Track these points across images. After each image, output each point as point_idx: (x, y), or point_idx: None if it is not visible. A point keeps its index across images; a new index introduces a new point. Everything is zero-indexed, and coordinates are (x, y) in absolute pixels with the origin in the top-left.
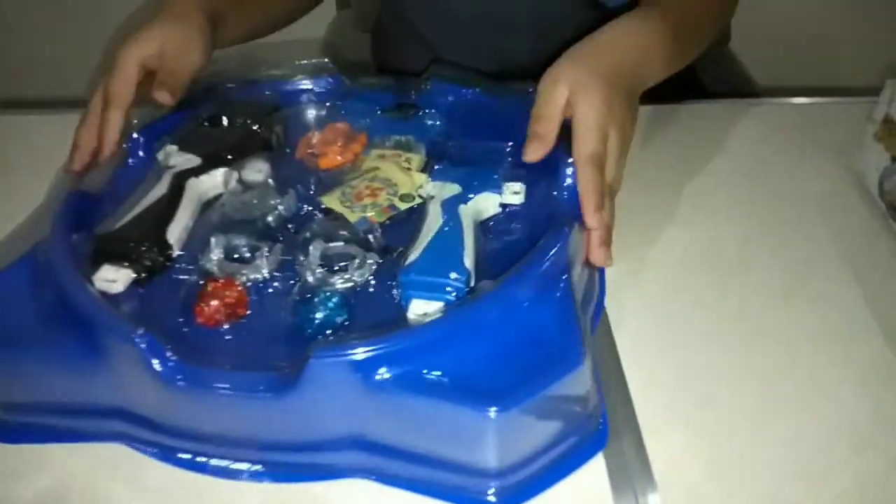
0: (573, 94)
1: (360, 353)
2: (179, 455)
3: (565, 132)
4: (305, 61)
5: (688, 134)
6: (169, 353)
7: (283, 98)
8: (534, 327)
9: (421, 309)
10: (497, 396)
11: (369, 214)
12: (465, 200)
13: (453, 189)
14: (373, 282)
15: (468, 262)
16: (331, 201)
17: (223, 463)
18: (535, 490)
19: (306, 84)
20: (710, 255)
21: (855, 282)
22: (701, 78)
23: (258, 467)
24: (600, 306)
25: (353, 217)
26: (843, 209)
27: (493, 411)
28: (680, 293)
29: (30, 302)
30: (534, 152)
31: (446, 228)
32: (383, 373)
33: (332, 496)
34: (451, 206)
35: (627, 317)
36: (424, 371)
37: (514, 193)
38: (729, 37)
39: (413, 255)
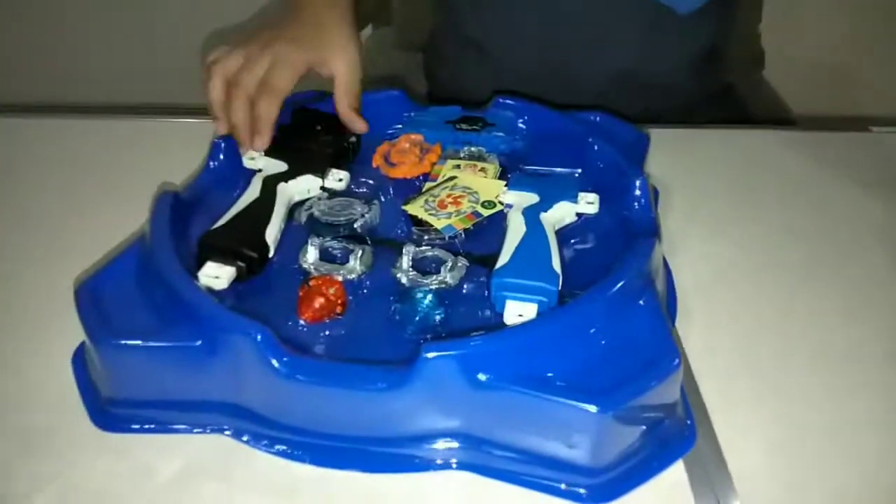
0: None
1: (471, 350)
2: (282, 446)
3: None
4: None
5: (741, 159)
6: (286, 350)
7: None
8: (627, 332)
9: (516, 310)
10: (600, 395)
11: (454, 221)
12: (546, 209)
13: (531, 198)
14: (465, 285)
15: (556, 265)
16: (415, 209)
17: (326, 454)
18: (624, 489)
19: (376, 97)
20: (772, 278)
21: None
22: (744, 105)
23: (360, 458)
24: (672, 323)
25: (439, 224)
26: None
27: (596, 409)
28: (745, 313)
29: (137, 297)
30: None
31: (531, 236)
32: (491, 369)
33: (428, 488)
34: (532, 215)
35: (696, 334)
36: (530, 369)
37: (588, 203)
38: (763, 63)
39: (503, 260)
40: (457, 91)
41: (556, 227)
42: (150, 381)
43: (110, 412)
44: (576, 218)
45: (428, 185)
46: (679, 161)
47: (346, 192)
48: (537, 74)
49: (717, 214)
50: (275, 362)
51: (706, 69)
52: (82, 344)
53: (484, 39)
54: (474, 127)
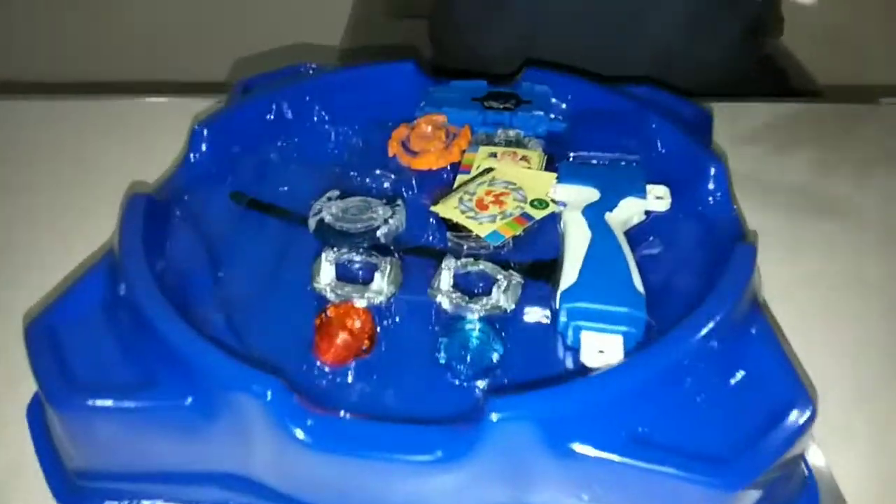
0: None
1: (553, 407)
2: None
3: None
4: None
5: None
6: (307, 409)
7: (357, 86)
8: (741, 371)
9: (595, 345)
10: (723, 464)
11: (500, 226)
12: (611, 207)
13: (591, 194)
14: (524, 308)
15: (638, 284)
16: (448, 211)
17: None
18: None
19: (383, 70)
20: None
21: None
22: (784, 76)
23: None
24: None
25: (482, 230)
26: None
27: (723, 482)
28: (842, 321)
29: (105, 336)
30: None
31: (600, 244)
32: (581, 433)
33: None
34: (595, 216)
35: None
36: (631, 428)
37: (658, 198)
38: (782, 30)
39: (570, 278)
40: (472, 63)
41: (625, 229)
42: (128, 450)
43: (78, 485)
44: (644, 217)
45: (461, 178)
46: (739, 136)
47: (361, 190)
48: (572, 50)
49: (783, 200)
50: (297, 430)
51: (751, 42)
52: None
53: (510, 3)
54: (507, 105)
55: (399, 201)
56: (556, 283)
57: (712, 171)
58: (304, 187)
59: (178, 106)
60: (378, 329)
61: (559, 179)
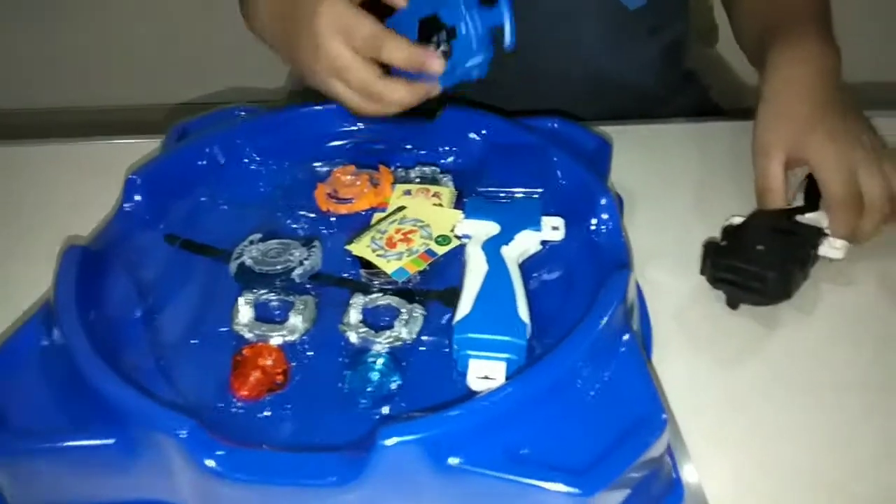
0: (794, 153)
1: (435, 431)
2: None
3: (597, 165)
4: None
5: (708, 154)
6: (218, 443)
7: (287, 128)
8: (607, 387)
9: (481, 370)
10: (583, 475)
11: (406, 263)
12: (507, 241)
13: (491, 228)
14: (424, 336)
15: (524, 314)
16: (360, 250)
17: None
18: None
19: (310, 113)
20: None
21: (857, 280)
22: (706, 91)
23: None
24: (647, 355)
25: (388, 267)
26: (879, 238)
27: (580, 491)
28: (726, 337)
29: (39, 382)
30: None
31: (494, 276)
32: (460, 451)
33: None
34: (493, 249)
35: (675, 367)
36: (503, 446)
37: (553, 229)
38: (716, 37)
39: (464, 309)
40: None
41: (522, 260)
42: (62, 486)
43: None
44: (540, 247)
45: (376, 216)
46: (644, 161)
47: (287, 231)
48: (505, 73)
49: (686, 221)
50: (209, 463)
51: (673, 60)
52: None
53: None
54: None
55: (315, 243)
56: (456, 306)
57: (603, 201)
58: (236, 227)
59: (118, 149)
60: (293, 364)
61: (465, 214)
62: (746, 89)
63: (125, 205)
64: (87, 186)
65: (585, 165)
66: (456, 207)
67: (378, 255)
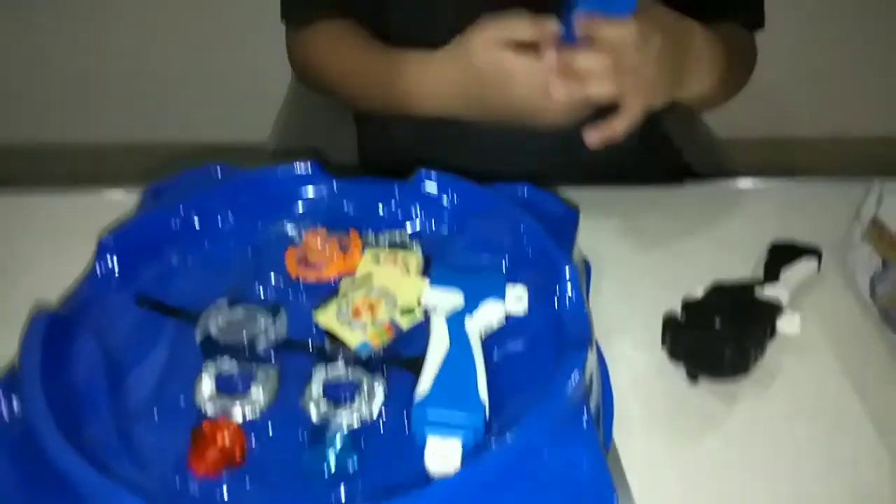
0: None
1: None
2: None
3: (563, 234)
4: None
5: (678, 220)
6: None
7: (261, 188)
8: (559, 471)
9: (438, 448)
10: None
11: (370, 337)
12: (471, 311)
13: (456, 299)
14: (385, 410)
15: (483, 391)
16: (327, 319)
17: None
18: None
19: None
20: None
21: (855, 394)
22: (679, 153)
23: None
24: (609, 430)
25: (353, 340)
26: (836, 310)
27: None
28: (688, 413)
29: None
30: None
31: (456, 351)
32: None
33: None
34: (456, 323)
35: (636, 442)
36: None
37: (517, 299)
38: None
39: (423, 386)
40: (385, 139)
41: (484, 335)
42: None
43: None
44: (504, 321)
45: (344, 283)
46: (614, 226)
47: (252, 295)
48: (480, 136)
49: (653, 289)
50: None
51: (651, 125)
52: None
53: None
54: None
55: (281, 311)
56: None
57: (567, 273)
58: (207, 289)
59: (93, 201)
60: (252, 439)
61: (431, 282)
62: (719, 150)
63: (97, 268)
64: (61, 239)
65: (552, 234)
66: (424, 274)
67: (343, 326)
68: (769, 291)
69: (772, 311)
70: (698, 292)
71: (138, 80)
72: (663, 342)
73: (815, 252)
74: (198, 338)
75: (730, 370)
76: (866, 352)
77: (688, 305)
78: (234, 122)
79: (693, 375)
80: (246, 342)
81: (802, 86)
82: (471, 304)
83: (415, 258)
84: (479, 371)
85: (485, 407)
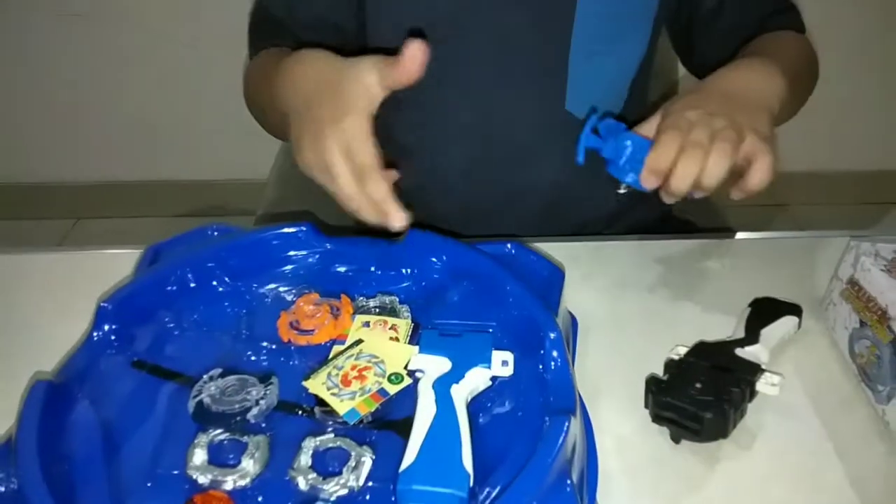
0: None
1: None
2: None
3: (549, 293)
4: None
5: (664, 272)
6: None
7: (257, 250)
8: None
9: None
10: None
11: (357, 405)
12: (458, 379)
13: (443, 364)
14: (369, 484)
15: (467, 461)
16: (316, 387)
17: None
18: None
19: (281, 234)
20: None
21: (836, 455)
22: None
23: None
24: (593, 494)
25: (341, 408)
26: (816, 366)
27: None
28: (671, 477)
29: None
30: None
31: (442, 419)
32: None
33: None
34: (443, 388)
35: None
36: None
37: (503, 364)
38: None
39: (408, 458)
40: None
41: (469, 399)
42: None
43: None
44: (490, 383)
45: (335, 349)
46: (601, 279)
47: (244, 362)
48: (471, 190)
49: (640, 344)
50: None
51: None
52: None
53: (414, 149)
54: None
55: (273, 380)
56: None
57: (552, 336)
58: (202, 352)
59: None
60: None
61: (420, 349)
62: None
63: (94, 334)
64: (54, 299)
65: (538, 294)
66: (413, 338)
67: (332, 394)
68: (750, 350)
69: (752, 371)
70: (681, 351)
71: (142, 117)
72: (646, 405)
73: (795, 309)
74: (191, 408)
75: (709, 435)
76: (846, 412)
77: (671, 365)
78: (237, 159)
79: (676, 438)
80: (238, 412)
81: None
82: (457, 371)
83: (405, 323)
84: (465, 439)
85: (469, 476)
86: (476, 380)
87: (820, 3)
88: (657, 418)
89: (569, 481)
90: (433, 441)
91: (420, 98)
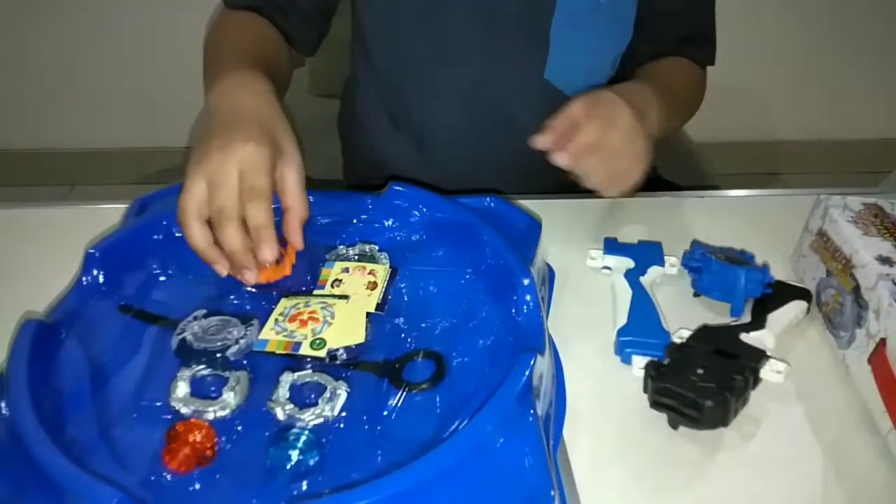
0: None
1: None
2: None
3: (526, 243)
4: None
5: (644, 229)
6: None
7: None
8: (504, 464)
9: (641, 362)
10: None
11: (273, 339)
12: (643, 272)
13: (627, 262)
14: (343, 414)
15: (664, 324)
16: (274, 316)
17: None
18: None
19: None
20: None
21: (798, 401)
22: (658, 168)
23: None
24: (560, 428)
25: (263, 333)
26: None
27: None
28: (631, 407)
29: None
30: (541, 141)
31: (638, 298)
32: None
33: None
34: (633, 278)
35: (584, 443)
36: None
37: (671, 265)
38: None
39: (621, 321)
40: (371, 156)
41: (651, 286)
42: None
43: None
44: (673, 272)
45: (316, 292)
46: (579, 233)
47: (228, 306)
48: (458, 149)
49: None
50: None
51: None
52: None
53: (402, 116)
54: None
55: (254, 321)
56: (401, 384)
57: (525, 282)
58: (187, 298)
59: (80, 215)
60: (223, 438)
61: (605, 251)
62: (694, 155)
63: (83, 278)
64: (52, 250)
65: (515, 244)
66: (390, 283)
67: (274, 321)
68: (755, 336)
69: (757, 358)
70: (684, 335)
71: (137, 85)
72: (644, 389)
73: (804, 293)
74: (174, 344)
75: (709, 423)
76: (812, 358)
77: (672, 350)
78: None
79: (674, 424)
80: (219, 349)
81: (780, 89)
82: (641, 267)
83: (382, 269)
84: (658, 311)
85: (668, 333)
86: (654, 274)
87: None
88: (655, 404)
89: (532, 412)
90: (636, 311)
91: (408, 67)
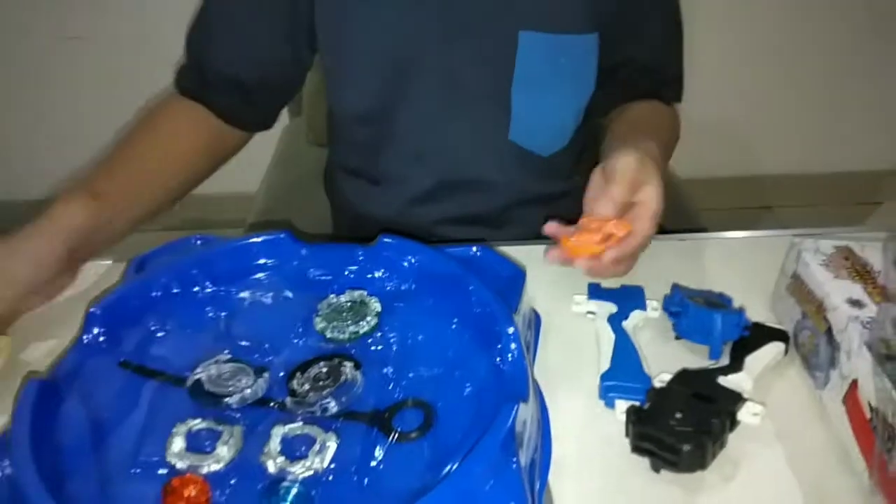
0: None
1: None
2: None
3: (511, 292)
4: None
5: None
6: None
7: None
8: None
9: (623, 406)
10: None
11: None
12: (625, 317)
13: (610, 307)
14: (332, 466)
15: (645, 368)
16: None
17: None
18: None
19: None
20: None
21: (778, 442)
22: None
23: None
24: (545, 473)
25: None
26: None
27: None
28: (616, 455)
29: None
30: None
31: (620, 343)
32: None
33: None
34: (615, 322)
35: (570, 488)
36: None
37: (653, 309)
38: None
39: (604, 365)
40: (353, 211)
41: (633, 329)
42: None
43: None
44: (655, 315)
45: None
46: (566, 278)
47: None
48: (425, 209)
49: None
50: None
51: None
52: None
53: (379, 176)
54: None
55: (265, 373)
56: (390, 433)
57: (509, 331)
58: (186, 353)
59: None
60: (216, 492)
61: (588, 296)
62: (680, 191)
63: (84, 336)
64: (54, 306)
65: (499, 293)
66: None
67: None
68: (732, 378)
69: (734, 401)
70: (665, 378)
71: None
72: (626, 434)
73: (781, 335)
74: (189, 382)
75: (687, 467)
76: (791, 399)
77: (652, 394)
78: (223, 174)
79: (656, 467)
80: (227, 394)
81: (766, 124)
82: (624, 312)
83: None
84: (640, 355)
85: (649, 378)
86: (636, 318)
87: (807, 9)
88: (636, 449)
89: (514, 459)
90: (619, 356)
91: (380, 139)
